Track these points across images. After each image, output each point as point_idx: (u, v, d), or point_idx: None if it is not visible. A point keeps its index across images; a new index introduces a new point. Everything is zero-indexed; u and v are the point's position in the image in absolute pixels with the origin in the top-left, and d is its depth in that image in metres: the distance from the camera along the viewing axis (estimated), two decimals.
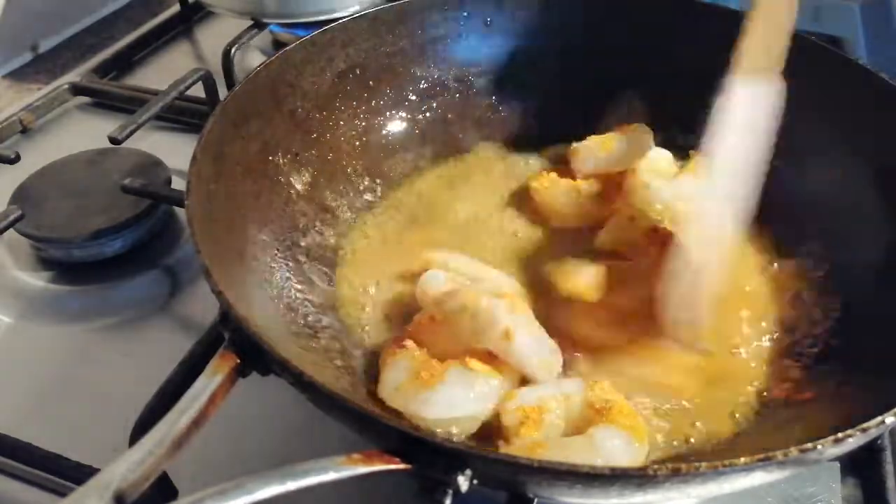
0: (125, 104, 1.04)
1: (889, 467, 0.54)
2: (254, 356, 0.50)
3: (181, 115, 1.00)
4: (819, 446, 0.44)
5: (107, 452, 0.61)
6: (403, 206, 0.79)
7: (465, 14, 0.84)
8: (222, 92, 0.97)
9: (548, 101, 0.85)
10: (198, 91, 0.99)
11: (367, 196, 0.79)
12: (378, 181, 0.80)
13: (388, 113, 0.82)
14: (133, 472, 0.43)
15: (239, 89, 0.70)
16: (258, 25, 1.05)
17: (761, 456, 0.43)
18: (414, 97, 0.83)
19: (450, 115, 0.85)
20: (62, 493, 0.63)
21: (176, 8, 1.25)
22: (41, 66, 1.21)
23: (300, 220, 0.72)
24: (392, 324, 0.67)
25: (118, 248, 0.84)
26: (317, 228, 0.73)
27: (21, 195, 0.85)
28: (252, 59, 1.12)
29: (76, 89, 1.07)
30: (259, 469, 0.56)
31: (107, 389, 0.71)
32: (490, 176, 0.82)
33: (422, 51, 0.83)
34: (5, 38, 1.19)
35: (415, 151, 0.83)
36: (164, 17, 1.24)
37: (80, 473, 0.62)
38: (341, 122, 0.79)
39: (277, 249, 0.68)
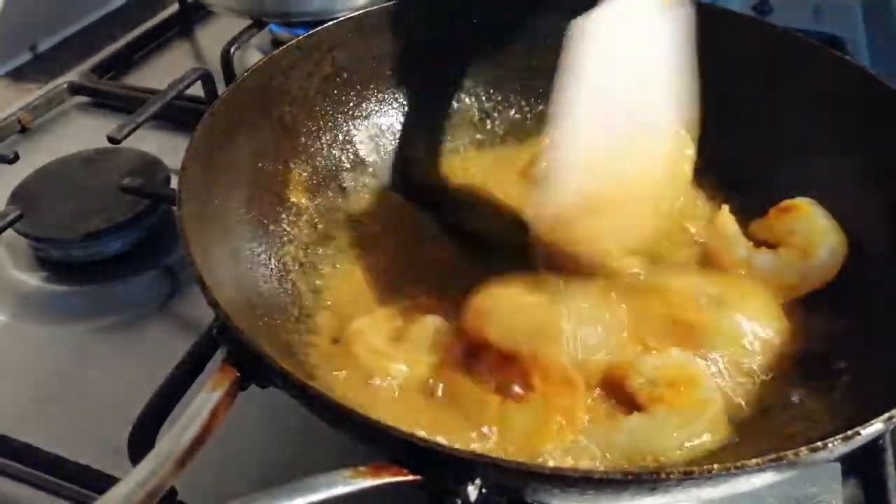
0: (124, 104, 1.03)
1: (891, 468, 0.54)
2: (252, 368, 0.50)
3: (180, 114, 0.99)
4: (830, 444, 0.44)
5: (105, 453, 0.62)
6: None
7: (453, 18, 0.83)
8: (221, 91, 0.97)
9: (539, 104, 0.84)
10: (197, 90, 0.99)
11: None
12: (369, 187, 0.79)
13: (376, 117, 0.81)
14: (136, 494, 0.43)
15: (226, 96, 0.68)
16: (258, 24, 1.05)
17: (773, 456, 0.43)
18: (402, 101, 0.82)
19: (439, 120, 0.84)
20: (60, 494, 0.62)
21: (175, 7, 1.25)
22: (40, 66, 1.21)
23: (293, 227, 0.71)
24: None
25: (117, 248, 0.83)
26: (309, 235, 0.72)
27: (20, 195, 0.85)
28: (251, 58, 1.11)
29: (75, 89, 1.07)
30: (258, 477, 0.56)
31: (105, 389, 0.71)
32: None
33: (409, 54, 0.81)
34: (4, 37, 1.18)
35: (407, 156, 0.81)
36: (163, 16, 1.24)
37: (77, 474, 0.62)
38: (330, 127, 0.78)
39: (271, 258, 0.68)
